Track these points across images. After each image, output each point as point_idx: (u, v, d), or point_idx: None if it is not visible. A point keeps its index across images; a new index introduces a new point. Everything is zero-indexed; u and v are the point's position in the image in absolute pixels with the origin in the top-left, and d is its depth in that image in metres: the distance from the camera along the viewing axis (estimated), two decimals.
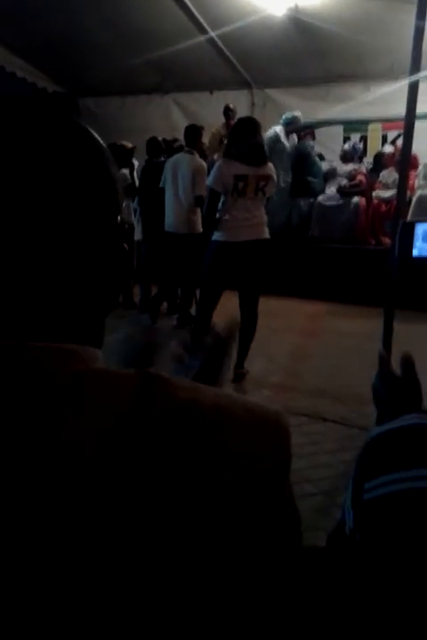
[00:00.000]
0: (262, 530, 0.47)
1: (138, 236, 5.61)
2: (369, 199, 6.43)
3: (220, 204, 3.49)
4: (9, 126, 0.48)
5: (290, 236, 6.54)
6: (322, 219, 6.50)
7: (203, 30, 6.47)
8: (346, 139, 7.41)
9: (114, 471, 0.43)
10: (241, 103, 7.44)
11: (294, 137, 6.89)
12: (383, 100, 6.68)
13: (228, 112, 6.91)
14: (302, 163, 6.84)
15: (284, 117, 6.85)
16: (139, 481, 0.43)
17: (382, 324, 2.85)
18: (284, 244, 5.98)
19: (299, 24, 6.21)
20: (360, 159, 7.01)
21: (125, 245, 0.56)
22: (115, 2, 6.06)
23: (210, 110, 7.54)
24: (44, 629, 0.40)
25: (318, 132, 7.51)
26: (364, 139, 7.52)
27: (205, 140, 6.09)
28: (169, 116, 8.31)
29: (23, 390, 0.44)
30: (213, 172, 3.51)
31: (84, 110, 8.31)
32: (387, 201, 6.25)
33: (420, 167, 6.20)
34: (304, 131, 7.36)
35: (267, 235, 3.60)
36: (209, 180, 3.52)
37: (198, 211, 4.81)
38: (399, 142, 6.64)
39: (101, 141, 0.53)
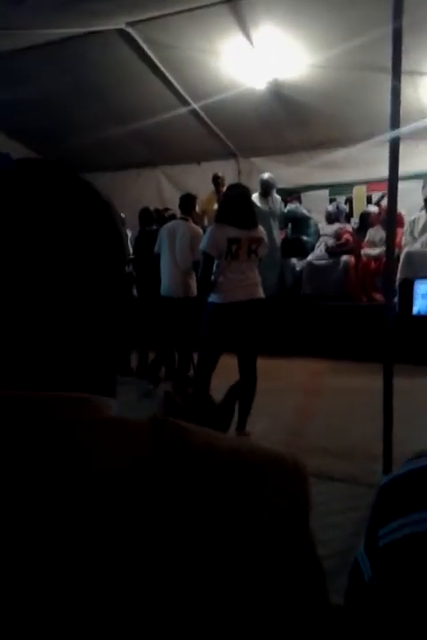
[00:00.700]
0: (284, 578, 0.46)
1: (134, 302, 5.67)
2: (358, 257, 6.57)
3: (214, 268, 3.56)
4: (16, 187, 0.49)
5: (284, 296, 6.63)
6: (313, 277, 6.61)
7: (186, 103, 6.77)
8: (332, 200, 7.64)
9: (129, 516, 0.42)
10: (228, 172, 7.68)
11: (276, 197, 7.06)
12: (366, 162, 6.94)
13: (217, 180, 7.16)
14: (297, 223, 7.16)
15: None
16: (154, 526, 0.42)
17: (381, 380, 2.87)
18: (278, 304, 6.05)
19: (279, 96, 6.51)
20: (347, 219, 7.21)
21: (134, 292, 0.58)
22: (101, 82, 6.33)
23: (199, 180, 7.77)
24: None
25: (305, 196, 7.76)
26: (349, 200, 7.76)
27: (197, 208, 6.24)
28: (159, 187, 8.57)
29: (37, 439, 0.44)
30: (206, 237, 3.60)
31: None
32: (375, 258, 6.39)
33: (406, 225, 6.38)
34: (291, 196, 7.61)
35: (262, 294, 3.65)
36: (203, 245, 3.59)
37: (194, 275, 4.89)
38: (384, 202, 6.87)
39: (105, 196, 0.55)
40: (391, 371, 2.90)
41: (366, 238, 6.74)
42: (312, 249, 6.92)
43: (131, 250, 5.94)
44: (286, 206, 7.42)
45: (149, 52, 5.87)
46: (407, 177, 6.01)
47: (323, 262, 6.64)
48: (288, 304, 6.49)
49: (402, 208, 6.30)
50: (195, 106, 6.79)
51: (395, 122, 2.92)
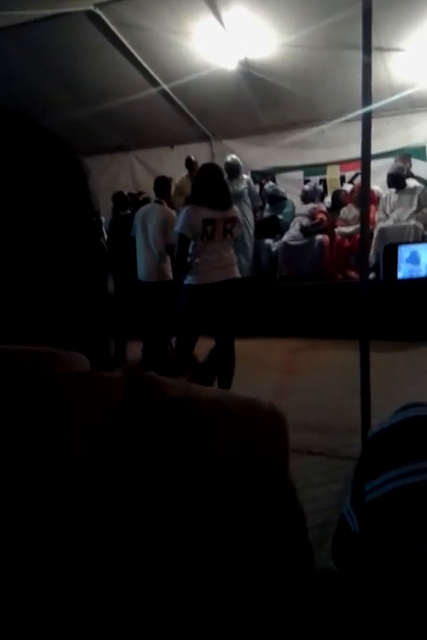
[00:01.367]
0: (263, 523, 0.45)
1: (109, 288, 5.61)
2: (332, 236, 6.62)
3: (190, 249, 3.55)
4: None
5: (260, 278, 6.67)
6: (289, 258, 6.65)
7: (156, 84, 6.69)
8: (306, 181, 7.67)
9: (105, 470, 0.41)
10: (201, 155, 7.64)
11: (244, 177, 7.04)
12: (339, 142, 7.00)
13: (190, 163, 7.12)
14: (275, 202, 7.23)
15: None
16: (131, 478, 0.41)
17: (358, 355, 2.91)
18: (255, 286, 6.08)
19: (251, 77, 6.48)
20: (321, 199, 7.26)
21: (103, 242, 0.56)
22: (70, 65, 6.21)
23: (172, 164, 7.73)
24: (41, 626, 0.39)
25: (279, 177, 7.77)
26: (323, 181, 7.80)
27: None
28: (133, 172, 8.50)
29: (4, 395, 0.42)
30: (181, 219, 3.58)
31: None
32: (349, 236, 6.45)
33: (380, 201, 6.46)
34: (265, 177, 7.62)
35: (238, 274, 3.66)
36: (178, 227, 3.57)
37: (169, 258, 4.89)
38: (357, 180, 6.93)
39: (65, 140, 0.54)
40: (368, 345, 2.94)
41: (340, 216, 6.80)
42: (287, 228, 6.95)
43: (105, 235, 5.88)
44: (261, 188, 7.43)
45: (119, 34, 5.78)
46: (380, 155, 6.08)
47: (298, 242, 6.67)
48: (264, 285, 6.53)
49: (376, 185, 6.40)
50: (165, 87, 6.71)
51: (367, 99, 2.94)
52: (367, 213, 3.32)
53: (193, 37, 5.80)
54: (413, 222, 6.07)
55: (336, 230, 6.62)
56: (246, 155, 7.43)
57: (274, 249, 6.88)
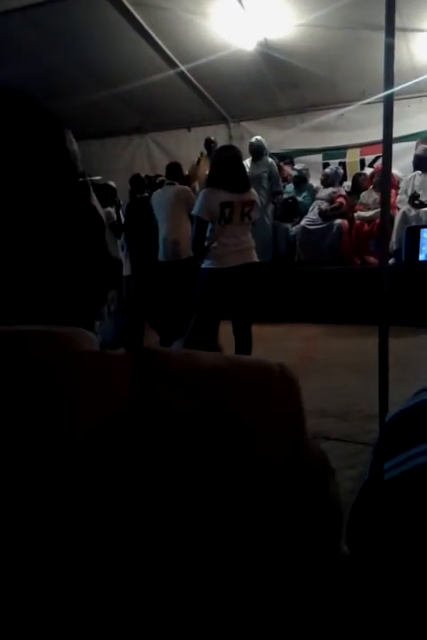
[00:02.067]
0: (280, 490, 0.44)
1: (126, 271, 5.64)
2: (351, 220, 6.54)
3: (207, 233, 3.52)
4: None
5: (278, 262, 6.62)
6: (307, 242, 6.59)
7: (174, 66, 6.63)
8: (325, 165, 7.57)
9: (117, 453, 0.40)
10: (219, 137, 7.58)
11: (268, 160, 6.99)
12: (359, 125, 6.88)
13: (210, 145, 7.05)
14: (299, 184, 7.15)
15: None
16: (144, 460, 0.40)
17: (376, 342, 2.88)
18: (272, 270, 6.04)
19: (270, 58, 6.39)
20: (340, 183, 7.16)
21: (94, 204, 0.52)
22: (88, 48, 6.18)
23: (189, 146, 7.70)
24: (43, 622, 0.38)
25: (298, 160, 7.67)
26: (343, 164, 7.69)
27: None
28: (150, 154, 8.46)
29: (11, 379, 0.40)
30: (198, 201, 3.55)
31: None
32: (369, 220, 6.36)
33: (402, 185, 6.34)
34: (283, 160, 7.53)
35: (256, 258, 3.63)
36: (195, 210, 3.54)
37: (187, 237, 4.93)
38: (377, 164, 6.83)
39: (49, 111, 0.51)
40: (387, 331, 2.91)
41: (359, 201, 6.71)
42: (305, 212, 6.88)
43: (122, 218, 5.89)
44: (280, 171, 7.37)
45: (137, 15, 5.72)
46: (401, 138, 5.97)
47: (316, 226, 6.61)
48: (282, 270, 6.49)
49: (396, 169, 6.30)
50: (183, 68, 6.64)
51: (389, 81, 2.88)
52: (388, 198, 3.28)
53: (211, 17, 5.72)
54: None
55: (356, 215, 6.54)
56: (265, 137, 7.34)
57: (292, 233, 6.82)
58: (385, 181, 3.10)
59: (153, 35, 6.07)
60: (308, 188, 7.21)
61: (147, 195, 5.57)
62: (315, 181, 7.27)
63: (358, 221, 6.48)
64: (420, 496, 0.54)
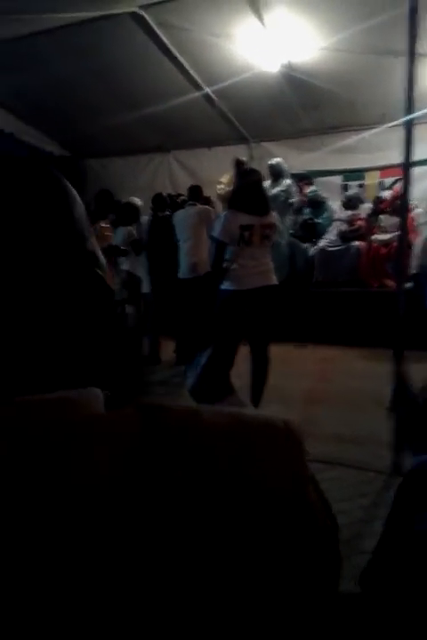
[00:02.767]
0: (283, 543, 0.44)
1: (146, 288, 5.70)
2: (369, 243, 6.53)
3: (227, 254, 3.55)
4: None
5: (296, 282, 6.62)
6: (325, 263, 6.59)
7: (199, 88, 6.71)
8: (345, 186, 7.58)
9: (125, 505, 0.41)
10: (240, 157, 7.63)
11: (288, 182, 7.01)
12: (379, 147, 6.89)
13: (239, 166, 7.06)
14: (315, 206, 7.13)
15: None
16: (149, 512, 0.42)
17: (392, 366, 2.86)
18: (290, 290, 6.04)
19: (292, 79, 6.43)
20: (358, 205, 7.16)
21: (99, 271, 0.53)
22: (114, 67, 6.29)
23: (209, 165, 7.77)
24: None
25: (317, 182, 7.68)
26: (362, 186, 7.69)
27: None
28: (171, 172, 8.54)
29: (27, 446, 0.42)
30: (219, 224, 3.60)
31: (89, 171, 8.58)
32: (386, 244, 6.34)
33: (420, 209, 6.31)
34: (303, 181, 7.55)
35: (275, 280, 3.65)
36: (215, 232, 3.58)
37: (206, 255, 4.99)
38: (396, 187, 6.81)
39: (60, 176, 0.52)
40: (402, 356, 2.89)
41: (378, 223, 6.69)
42: (324, 232, 6.88)
43: (144, 236, 5.97)
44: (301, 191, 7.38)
45: (162, 36, 5.82)
46: (420, 162, 5.95)
47: (335, 248, 6.61)
48: (300, 290, 6.48)
49: (416, 194, 6.27)
50: (207, 90, 6.73)
51: (409, 106, 2.90)
52: (406, 221, 3.28)
53: (235, 40, 5.79)
54: None
55: (373, 237, 6.52)
56: (285, 157, 7.38)
57: (311, 254, 6.82)
58: (403, 206, 3.11)
59: (178, 56, 6.16)
60: (327, 209, 7.22)
61: (168, 213, 5.68)
62: (335, 203, 7.27)
63: (375, 244, 6.46)
64: None
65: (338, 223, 6.81)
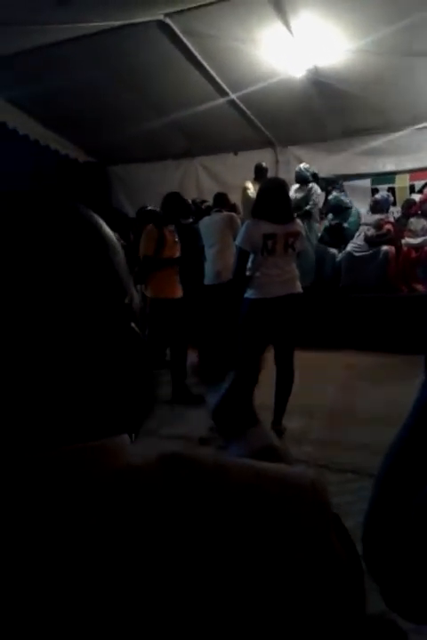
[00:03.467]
0: (312, 597, 0.45)
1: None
2: (398, 247, 6.41)
3: (249, 263, 3.52)
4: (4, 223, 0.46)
5: (322, 287, 6.55)
6: (352, 268, 6.49)
7: (224, 94, 6.72)
8: (374, 190, 7.48)
9: (144, 567, 0.42)
10: (265, 162, 7.61)
11: (315, 187, 6.96)
12: (408, 150, 6.79)
13: (260, 171, 7.06)
14: (339, 212, 7.05)
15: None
16: (171, 573, 0.42)
17: (422, 373, 2.79)
18: (316, 296, 5.97)
19: (319, 83, 6.39)
20: (388, 209, 7.05)
21: (134, 326, 0.52)
22: (139, 74, 6.35)
23: (235, 170, 7.75)
24: None
25: (346, 186, 7.58)
26: (392, 189, 7.57)
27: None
28: (198, 178, 8.56)
29: (65, 496, 0.43)
30: (241, 232, 3.57)
31: (114, 178, 8.66)
32: (417, 248, 6.23)
33: None
34: (331, 185, 7.48)
35: (299, 289, 3.61)
36: (238, 240, 3.56)
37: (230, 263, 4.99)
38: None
39: (98, 222, 0.51)
40: None
41: (408, 227, 6.58)
42: (352, 237, 6.79)
43: None
44: (328, 195, 7.30)
45: (188, 43, 5.85)
46: None
47: (363, 253, 6.51)
48: (327, 295, 6.41)
49: None
50: (233, 96, 6.73)
51: None
52: None
53: (261, 45, 5.78)
54: None
55: (403, 241, 6.41)
56: (312, 162, 7.32)
57: (338, 259, 6.73)
58: None
59: (204, 63, 6.18)
60: (353, 213, 7.13)
61: (191, 220, 5.68)
62: (363, 207, 7.18)
63: (405, 248, 6.35)
64: None
65: (365, 228, 6.70)
